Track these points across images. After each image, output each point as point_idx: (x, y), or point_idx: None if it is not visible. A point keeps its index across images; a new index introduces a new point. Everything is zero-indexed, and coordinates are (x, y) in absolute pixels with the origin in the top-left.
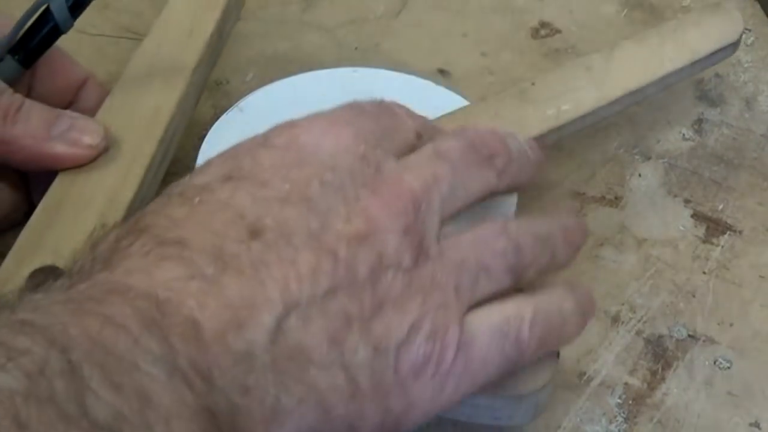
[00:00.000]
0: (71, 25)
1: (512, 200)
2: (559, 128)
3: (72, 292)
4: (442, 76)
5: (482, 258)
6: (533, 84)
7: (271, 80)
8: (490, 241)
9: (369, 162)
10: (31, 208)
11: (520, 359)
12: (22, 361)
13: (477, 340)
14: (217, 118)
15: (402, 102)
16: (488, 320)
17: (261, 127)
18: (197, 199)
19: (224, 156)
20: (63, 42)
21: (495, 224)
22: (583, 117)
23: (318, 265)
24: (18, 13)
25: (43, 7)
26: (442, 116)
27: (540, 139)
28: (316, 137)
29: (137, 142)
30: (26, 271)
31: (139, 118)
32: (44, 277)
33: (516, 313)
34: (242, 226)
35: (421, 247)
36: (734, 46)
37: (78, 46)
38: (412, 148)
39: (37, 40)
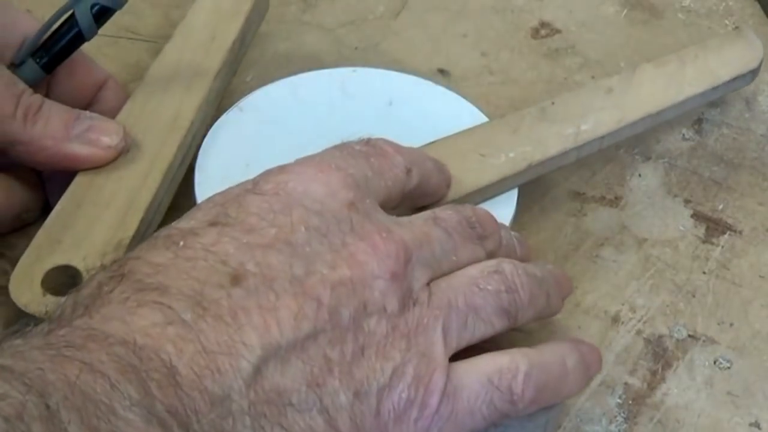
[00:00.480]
0: (95, 33)
1: (512, 201)
2: (578, 148)
3: (51, 338)
4: (442, 76)
5: (472, 299)
6: (553, 103)
7: (271, 80)
8: (482, 281)
9: (358, 209)
10: (45, 208)
11: (511, 412)
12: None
13: (464, 389)
14: (217, 118)
15: (402, 102)
16: (478, 369)
17: (261, 127)
18: (181, 243)
19: (213, 201)
20: None
21: (488, 263)
22: (602, 138)
23: (300, 310)
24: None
25: (68, 14)
26: (461, 132)
27: (559, 158)
28: (305, 183)
29: (157, 145)
30: (42, 269)
31: (160, 122)
32: (59, 276)
33: (509, 364)
34: (224, 273)
35: (410, 294)
36: (754, 73)
37: None
38: (403, 185)
39: (60, 46)
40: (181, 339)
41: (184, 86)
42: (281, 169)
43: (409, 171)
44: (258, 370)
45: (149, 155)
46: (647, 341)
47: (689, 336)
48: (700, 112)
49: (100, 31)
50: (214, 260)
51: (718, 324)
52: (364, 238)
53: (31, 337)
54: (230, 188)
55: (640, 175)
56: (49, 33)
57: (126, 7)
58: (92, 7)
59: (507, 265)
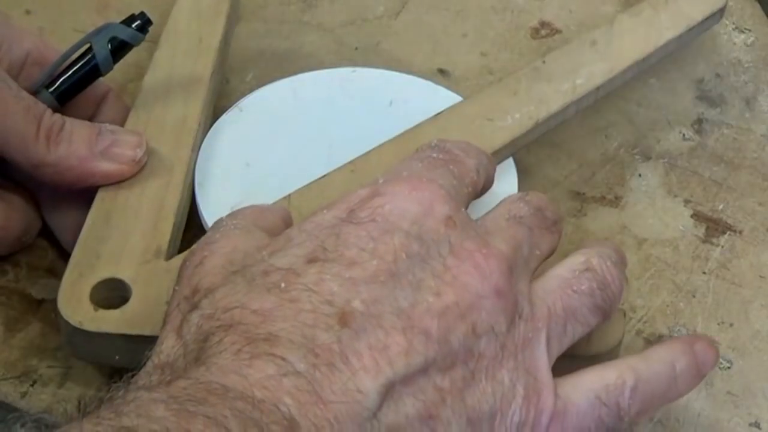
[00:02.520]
0: (111, 68)
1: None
2: (577, 102)
3: (173, 390)
4: (442, 76)
5: (569, 302)
6: (544, 62)
7: (271, 80)
8: (575, 283)
9: (455, 223)
10: (43, 228)
11: (617, 425)
12: None
13: (573, 406)
14: (217, 118)
15: (402, 102)
16: (585, 386)
17: (261, 127)
18: (282, 285)
19: (305, 231)
20: (63, 42)
21: (576, 260)
22: (597, 89)
23: (410, 346)
24: None
25: (85, 47)
26: (464, 101)
27: (561, 114)
28: (401, 203)
29: (172, 151)
30: (88, 285)
31: (168, 128)
32: (105, 289)
33: (616, 380)
34: (331, 314)
35: (515, 309)
36: (722, 11)
37: None
38: (477, 189)
39: (74, 78)
40: (298, 390)
41: (183, 90)
42: (373, 191)
43: (477, 171)
44: (374, 415)
45: (167, 161)
46: (647, 341)
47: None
48: (700, 112)
49: None
50: (319, 301)
51: (718, 324)
52: (465, 258)
53: (153, 390)
54: (320, 215)
55: (640, 175)
56: (65, 65)
57: (125, 7)
58: (110, 41)
59: (594, 260)
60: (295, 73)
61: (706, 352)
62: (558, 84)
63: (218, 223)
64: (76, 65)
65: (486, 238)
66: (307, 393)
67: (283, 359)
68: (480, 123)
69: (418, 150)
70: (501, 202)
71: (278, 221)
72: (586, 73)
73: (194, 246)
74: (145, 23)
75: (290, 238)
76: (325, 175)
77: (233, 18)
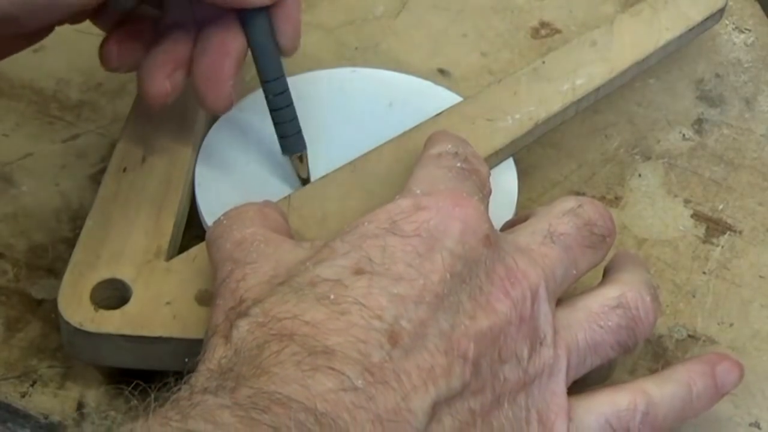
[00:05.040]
0: None
1: (512, 202)
2: (577, 102)
3: (237, 397)
4: (442, 76)
5: (593, 336)
6: (544, 62)
7: None
8: (602, 319)
9: (491, 242)
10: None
11: None
12: None
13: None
14: (217, 118)
15: (402, 102)
16: (597, 410)
17: (261, 127)
18: (332, 296)
19: (348, 242)
20: (63, 42)
21: (610, 295)
22: (597, 90)
23: (450, 368)
24: None
25: None
26: (463, 101)
27: (561, 114)
28: (445, 221)
29: (172, 149)
30: (89, 285)
31: (169, 129)
32: (105, 290)
33: (628, 405)
34: (381, 331)
35: (536, 336)
36: (722, 11)
37: (78, 45)
38: (489, 195)
39: None
40: (355, 406)
41: (184, 90)
42: (415, 203)
43: (488, 179)
44: None
45: (167, 160)
46: (647, 341)
47: (689, 336)
48: (700, 112)
49: (100, 31)
50: (369, 315)
51: (718, 324)
52: (496, 282)
53: (218, 395)
54: (362, 224)
55: (640, 175)
56: None
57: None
58: None
59: (630, 294)
60: (295, 73)
61: (728, 373)
62: (558, 84)
63: (224, 228)
64: None
65: (517, 261)
66: (363, 410)
67: (343, 374)
68: (480, 123)
69: (438, 153)
70: (549, 208)
71: (279, 218)
72: (586, 73)
73: (228, 266)
74: None
75: (333, 249)
76: (325, 175)
77: None
